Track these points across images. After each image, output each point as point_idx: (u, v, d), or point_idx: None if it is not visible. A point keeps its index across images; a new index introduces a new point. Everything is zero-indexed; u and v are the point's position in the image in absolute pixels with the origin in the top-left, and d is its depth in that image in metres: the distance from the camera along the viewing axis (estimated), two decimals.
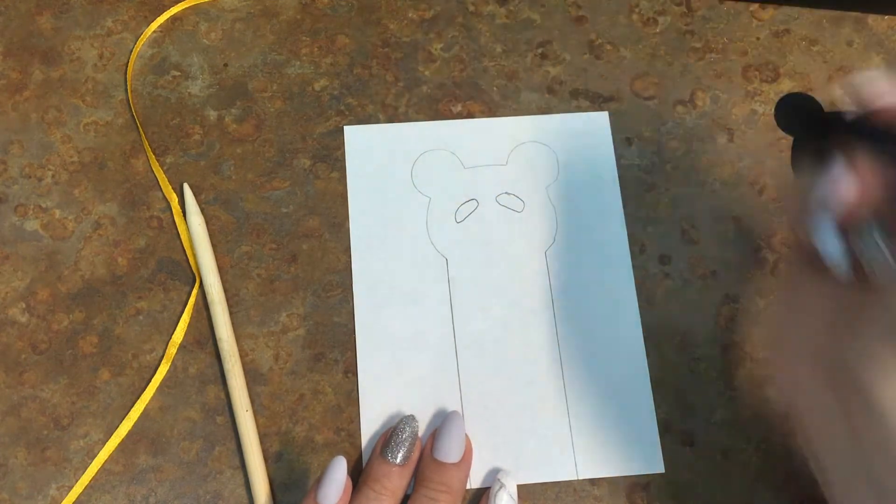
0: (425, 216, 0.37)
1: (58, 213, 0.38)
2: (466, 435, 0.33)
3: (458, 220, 0.37)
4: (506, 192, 0.37)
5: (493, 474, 0.34)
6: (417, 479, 0.32)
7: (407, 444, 0.32)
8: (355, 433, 0.35)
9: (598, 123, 0.39)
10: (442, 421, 0.33)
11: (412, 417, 0.33)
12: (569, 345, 0.35)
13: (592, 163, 0.38)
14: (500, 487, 0.32)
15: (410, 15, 0.40)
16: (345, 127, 0.37)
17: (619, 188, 0.37)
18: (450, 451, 0.32)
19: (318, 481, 0.31)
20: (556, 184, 0.37)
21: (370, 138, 0.38)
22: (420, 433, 0.33)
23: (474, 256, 0.36)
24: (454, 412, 0.33)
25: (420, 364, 0.35)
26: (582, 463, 0.34)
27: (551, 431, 0.34)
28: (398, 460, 0.32)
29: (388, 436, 0.32)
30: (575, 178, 0.38)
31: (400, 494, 0.32)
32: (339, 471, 0.31)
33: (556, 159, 0.38)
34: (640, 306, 0.36)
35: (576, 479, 0.34)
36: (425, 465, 0.32)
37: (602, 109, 0.39)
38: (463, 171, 0.38)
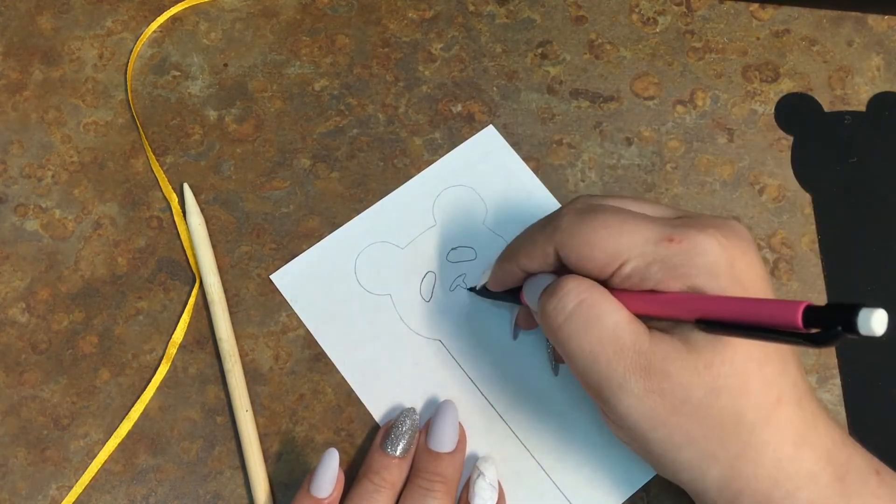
0: (397, 314, 0.36)
1: (58, 213, 0.38)
2: (460, 424, 0.33)
3: (427, 300, 0.36)
4: (451, 248, 0.37)
5: (472, 461, 0.34)
6: (412, 470, 0.32)
7: (407, 436, 0.32)
8: (355, 433, 0.35)
9: (490, 139, 0.38)
10: (434, 410, 0.33)
11: (412, 410, 0.33)
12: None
13: (508, 175, 0.38)
14: (479, 475, 0.32)
15: (410, 15, 0.40)
16: (271, 276, 0.36)
17: (544, 186, 0.37)
18: (444, 441, 0.32)
19: (312, 473, 0.31)
20: (490, 213, 0.37)
21: (300, 272, 0.36)
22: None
23: (463, 323, 0.36)
24: (447, 401, 0.33)
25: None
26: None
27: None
28: (398, 452, 0.32)
29: (388, 428, 0.33)
30: (502, 199, 0.37)
31: (399, 486, 0.32)
32: (331, 462, 0.31)
33: (475, 193, 0.37)
34: None
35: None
36: (419, 455, 0.32)
37: (601, 109, 0.39)
38: (402, 252, 0.37)
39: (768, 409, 0.26)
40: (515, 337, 0.36)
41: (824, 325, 0.20)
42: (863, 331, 0.19)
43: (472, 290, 0.36)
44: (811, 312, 0.21)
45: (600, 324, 0.26)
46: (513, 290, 0.32)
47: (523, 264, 0.30)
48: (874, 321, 0.19)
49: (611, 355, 0.26)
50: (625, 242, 0.27)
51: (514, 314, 0.35)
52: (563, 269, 0.29)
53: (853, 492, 0.26)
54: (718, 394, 0.25)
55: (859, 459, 0.27)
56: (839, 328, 0.20)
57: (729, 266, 0.26)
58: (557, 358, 0.35)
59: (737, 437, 0.26)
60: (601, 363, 0.26)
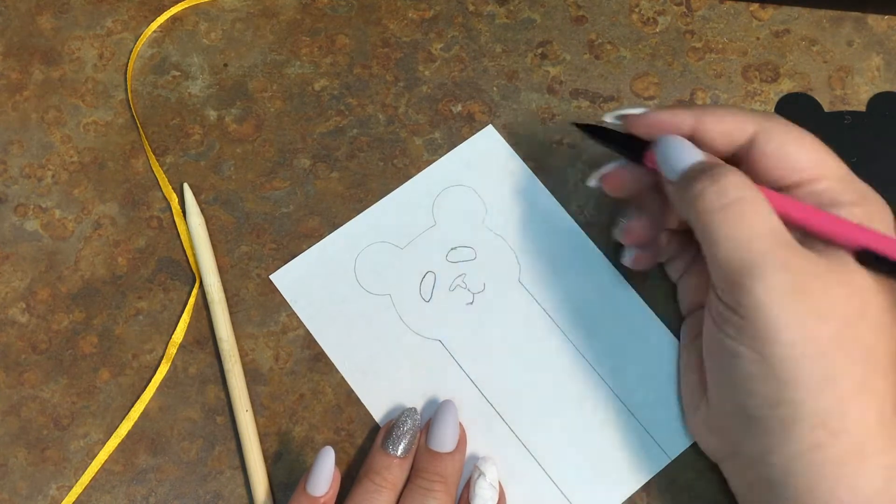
0: (397, 314, 0.36)
1: (58, 213, 0.38)
2: (461, 423, 0.33)
3: (427, 300, 0.36)
4: (451, 248, 0.37)
5: (472, 461, 0.34)
6: (412, 470, 0.32)
7: (408, 436, 0.32)
8: (355, 433, 0.35)
9: (490, 139, 0.38)
10: (435, 410, 0.33)
11: (414, 410, 0.33)
12: (591, 351, 0.35)
13: (507, 175, 0.38)
14: (480, 475, 0.32)
15: (410, 15, 0.40)
16: (271, 276, 0.36)
17: (543, 186, 0.37)
18: (444, 441, 0.32)
19: (308, 472, 0.31)
20: (490, 214, 0.37)
21: (300, 272, 0.36)
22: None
23: (463, 323, 0.36)
24: (447, 401, 0.33)
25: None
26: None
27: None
28: (399, 452, 0.32)
29: (389, 428, 0.33)
30: (502, 198, 0.37)
31: (400, 486, 0.32)
32: (326, 461, 0.31)
33: (475, 193, 0.37)
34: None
35: None
36: (420, 455, 0.32)
37: (602, 109, 0.39)
38: (402, 252, 0.37)
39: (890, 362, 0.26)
40: (636, 267, 0.34)
41: None
42: None
43: (580, 125, 0.33)
44: None
45: (760, 219, 0.26)
46: (627, 144, 0.31)
47: (705, 125, 0.29)
48: None
49: (766, 247, 0.26)
50: (826, 159, 0.28)
51: (602, 171, 0.32)
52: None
53: None
54: (864, 320, 0.26)
55: None
56: None
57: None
58: (641, 263, 0.34)
59: (862, 369, 0.25)
60: (754, 252, 0.26)
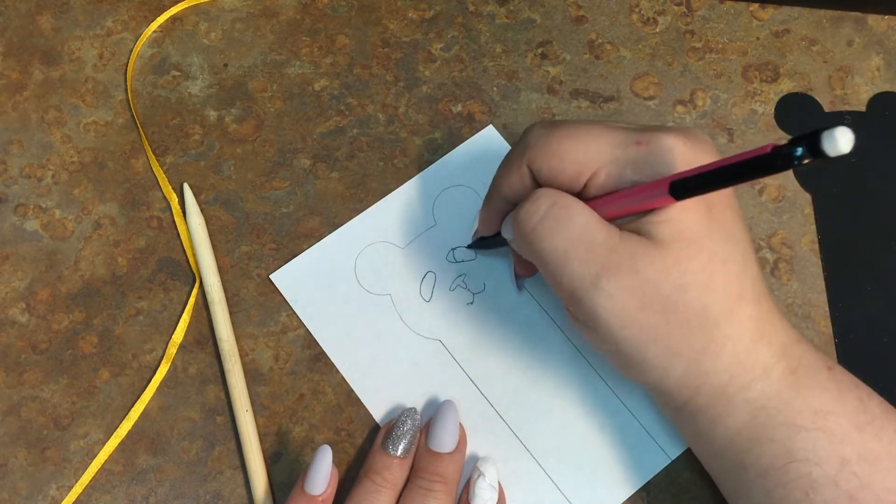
0: (397, 314, 0.36)
1: (58, 213, 0.38)
2: (461, 424, 0.33)
3: (427, 300, 0.36)
4: (451, 248, 0.37)
5: (472, 461, 0.34)
6: (412, 470, 0.32)
7: (408, 436, 0.32)
8: (355, 433, 0.35)
9: (490, 139, 0.38)
10: (435, 410, 0.33)
11: (414, 410, 0.33)
12: (591, 351, 0.35)
13: None
14: (479, 476, 0.32)
15: (410, 15, 0.40)
16: (271, 276, 0.36)
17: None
18: (444, 441, 0.32)
19: (305, 471, 0.31)
20: None
21: (300, 272, 0.36)
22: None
23: (463, 323, 0.36)
24: (448, 401, 0.33)
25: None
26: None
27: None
28: (399, 452, 0.32)
29: (390, 428, 0.32)
30: None
31: (400, 486, 0.32)
32: (324, 459, 0.31)
33: (475, 193, 0.37)
34: None
35: None
36: (420, 455, 0.32)
37: (602, 109, 0.39)
38: (402, 252, 0.37)
39: (731, 305, 0.27)
40: (520, 289, 0.36)
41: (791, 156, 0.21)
42: (828, 149, 0.20)
43: (470, 246, 0.36)
44: (779, 148, 0.21)
45: (572, 223, 0.27)
46: (497, 240, 0.33)
47: (504, 193, 0.30)
48: (838, 139, 0.20)
49: (583, 254, 0.27)
50: (594, 149, 0.28)
51: (513, 265, 0.35)
52: None
53: (803, 384, 0.27)
54: (686, 289, 0.26)
55: (812, 356, 0.28)
56: (802, 147, 0.21)
57: (696, 161, 0.27)
58: (521, 272, 0.35)
59: (701, 332, 0.27)
60: (573, 262, 0.27)
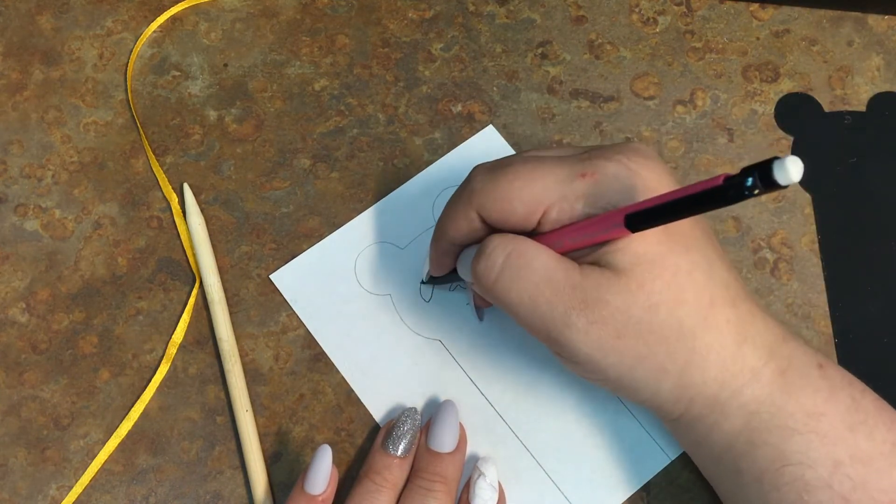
0: (397, 314, 0.36)
1: (58, 213, 0.38)
2: (461, 424, 0.33)
3: (427, 300, 0.36)
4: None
5: (473, 461, 0.34)
6: (412, 470, 0.32)
7: (408, 436, 0.32)
8: (355, 433, 0.35)
9: (490, 139, 0.38)
10: (435, 410, 0.33)
11: (414, 410, 0.33)
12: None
13: None
14: (480, 476, 0.32)
15: (410, 15, 0.40)
16: (271, 276, 0.36)
17: None
18: (444, 441, 0.32)
19: (305, 470, 0.31)
20: None
21: (300, 272, 0.36)
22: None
23: (463, 323, 0.36)
24: (448, 401, 0.33)
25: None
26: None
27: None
28: (399, 452, 0.32)
29: (390, 428, 0.33)
30: None
31: (400, 486, 0.32)
32: (324, 459, 0.31)
33: None
34: None
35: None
36: (420, 455, 0.32)
37: (601, 109, 0.39)
38: (402, 252, 0.37)
39: (705, 313, 0.27)
40: (481, 318, 0.36)
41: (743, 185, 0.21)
42: (780, 179, 0.20)
43: (423, 283, 0.36)
44: (731, 178, 0.21)
45: (531, 269, 0.27)
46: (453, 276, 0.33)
47: (452, 237, 0.30)
48: (789, 168, 0.20)
49: (549, 296, 0.27)
50: (539, 187, 0.27)
51: (471, 296, 0.35)
52: (493, 233, 0.29)
53: (795, 386, 0.27)
54: (656, 309, 0.26)
55: (802, 354, 0.28)
56: (753, 177, 0.21)
57: (643, 184, 0.27)
58: (481, 303, 0.35)
59: (682, 347, 0.27)
60: (542, 306, 0.27)
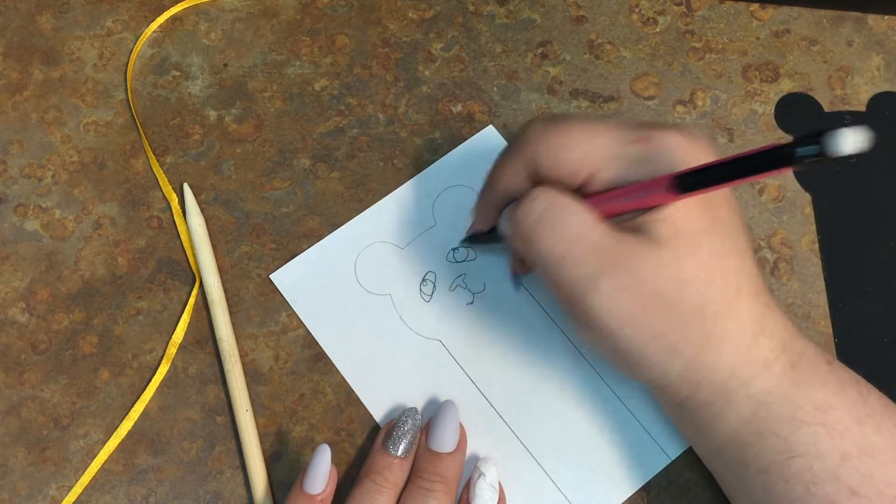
0: (397, 314, 0.36)
1: (58, 213, 0.38)
2: (461, 424, 0.33)
3: (427, 300, 0.36)
4: (452, 249, 0.37)
5: (473, 461, 0.33)
6: (412, 470, 0.32)
7: (409, 436, 0.32)
8: (355, 433, 0.35)
9: (490, 139, 0.38)
10: (435, 411, 0.33)
11: (414, 410, 0.33)
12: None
13: None
14: (480, 476, 0.32)
15: (410, 15, 0.40)
16: (271, 276, 0.36)
17: None
18: (444, 441, 0.32)
19: (304, 470, 0.31)
20: None
21: (300, 272, 0.36)
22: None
23: (463, 323, 0.36)
24: (448, 401, 0.33)
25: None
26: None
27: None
28: (399, 452, 0.32)
29: (390, 428, 0.32)
30: None
31: (400, 486, 0.32)
32: (323, 459, 0.31)
33: (474, 193, 0.36)
34: None
35: None
36: (420, 455, 0.32)
37: (601, 109, 0.39)
38: (402, 252, 0.37)
39: (730, 299, 0.27)
40: (518, 286, 0.36)
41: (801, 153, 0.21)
42: (833, 148, 0.20)
43: (464, 242, 0.36)
44: (787, 144, 0.21)
45: (569, 223, 0.27)
46: (491, 236, 0.33)
47: (501, 187, 0.30)
48: (848, 138, 0.20)
49: (580, 254, 0.27)
50: (594, 146, 0.28)
51: (511, 262, 0.35)
52: None
53: (804, 379, 0.27)
54: (684, 286, 0.26)
55: (812, 350, 0.28)
56: (815, 144, 0.21)
57: (696, 160, 0.26)
58: (519, 269, 0.35)
59: (700, 329, 0.27)
60: (571, 263, 0.27)
